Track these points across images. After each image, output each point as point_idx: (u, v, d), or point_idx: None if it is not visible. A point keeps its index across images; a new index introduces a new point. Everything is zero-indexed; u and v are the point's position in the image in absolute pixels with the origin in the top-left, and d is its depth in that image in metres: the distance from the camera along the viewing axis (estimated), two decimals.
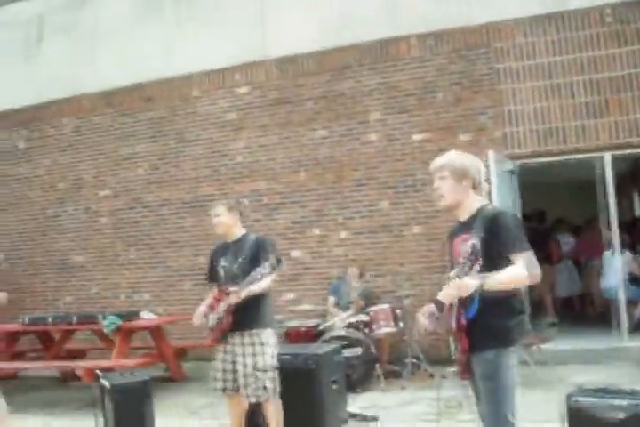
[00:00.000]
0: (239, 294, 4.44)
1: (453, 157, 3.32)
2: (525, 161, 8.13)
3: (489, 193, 7.17)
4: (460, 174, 3.25)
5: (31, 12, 10.87)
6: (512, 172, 8.07)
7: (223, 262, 4.79)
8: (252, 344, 4.57)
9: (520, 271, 3.01)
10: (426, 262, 8.17)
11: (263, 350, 4.56)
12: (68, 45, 10.48)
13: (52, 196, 10.47)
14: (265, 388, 4.51)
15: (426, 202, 8.21)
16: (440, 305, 3.16)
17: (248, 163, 9.21)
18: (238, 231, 4.86)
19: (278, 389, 4.63)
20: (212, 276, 4.92)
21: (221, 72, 9.42)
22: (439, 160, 3.34)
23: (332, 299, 8.02)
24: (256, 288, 4.51)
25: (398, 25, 8.54)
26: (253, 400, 4.60)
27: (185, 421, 5.95)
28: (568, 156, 7.99)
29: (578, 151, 7.89)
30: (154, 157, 9.79)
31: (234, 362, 4.63)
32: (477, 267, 2.93)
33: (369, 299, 7.83)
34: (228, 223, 4.81)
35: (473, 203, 3.27)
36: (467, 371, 3.19)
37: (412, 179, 8.37)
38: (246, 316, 4.55)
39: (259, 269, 4.45)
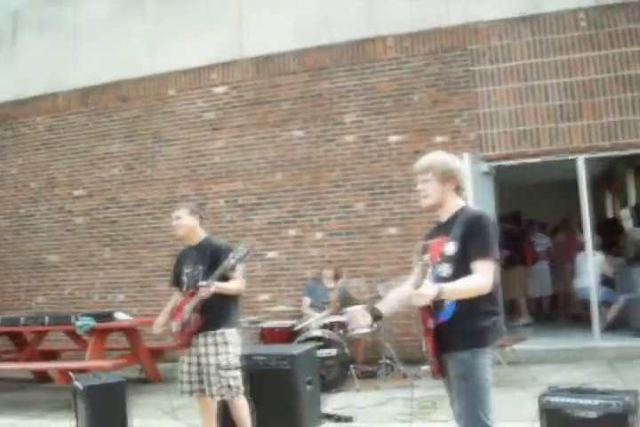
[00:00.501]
0: (209, 288, 4.43)
1: (438, 159, 3.29)
2: (500, 163, 8.20)
3: (465, 196, 7.27)
4: (446, 177, 3.23)
5: (6, 8, 10.74)
6: (487, 173, 8.13)
7: (186, 269, 4.80)
8: (216, 344, 4.58)
9: (479, 281, 3.01)
10: (402, 264, 8.16)
11: (226, 349, 4.57)
12: (44, 42, 10.37)
13: (24, 195, 10.37)
14: (229, 386, 4.54)
15: (402, 204, 8.25)
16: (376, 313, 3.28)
17: (225, 163, 9.19)
18: (199, 235, 4.85)
19: (242, 387, 4.65)
20: (176, 280, 4.93)
21: (198, 71, 9.39)
22: (424, 161, 3.30)
23: (307, 300, 8.03)
24: (227, 286, 4.54)
25: (376, 25, 8.56)
26: (219, 399, 4.65)
27: (160, 422, 5.91)
28: (542, 158, 8.07)
29: (551, 153, 7.97)
30: (129, 157, 9.73)
31: (199, 364, 4.63)
32: (429, 275, 2.97)
33: (345, 300, 7.85)
34: (187, 226, 4.81)
35: (453, 205, 3.26)
36: (439, 371, 3.21)
37: (387, 180, 8.40)
38: (210, 317, 4.56)
39: (230, 255, 4.46)
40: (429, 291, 2.87)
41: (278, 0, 9.11)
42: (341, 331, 7.18)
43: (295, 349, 5.52)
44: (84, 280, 9.87)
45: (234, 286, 4.59)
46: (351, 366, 6.94)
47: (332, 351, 6.78)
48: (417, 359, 7.09)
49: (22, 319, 7.78)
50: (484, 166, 8.04)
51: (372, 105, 8.54)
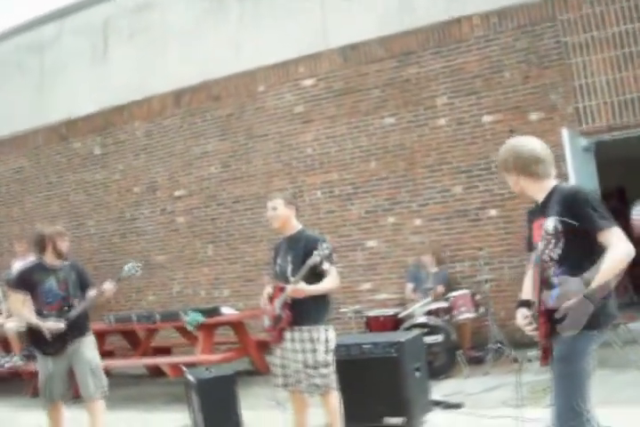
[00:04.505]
0: (299, 291, 4.44)
1: (501, 156, 3.33)
2: (601, 136, 7.85)
3: (565, 173, 7.00)
4: (511, 170, 3.24)
5: (97, 18, 11.15)
6: (587, 148, 7.81)
7: (278, 260, 4.79)
8: (302, 341, 4.56)
9: (619, 251, 2.85)
10: (504, 245, 8.00)
11: (313, 346, 4.53)
12: (135, 49, 10.71)
13: (128, 199, 10.73)
14: (317, 385, 4.51)
15: (502, 184, 7.98)
16: (527, 304, 3.17)
17: (318, 155, 9.21)
18: (295, 226, 4.81)
19: (333, 384, 4.59)
20: (274, 272, 4.93)
21: (285, 65, 9.44)
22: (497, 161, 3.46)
23: (410, 286, 7.96)
24: (319, 288, 4.51)
25: (460, 5, 8.36)
26: (307, 396, 4.64)
27: (270, 412, 5.99)
28: None
29: None
30: (224, 155, 9.90)
31: (289, 358, 4.64)
32: (560, 246, 2.81)
33: (448, 285, 7.75)
34: (283, 217, 4.75)
35: (542, 188, 3.19)
36: (547, 357, 3.09)
37: (485, 162, 8.20)
38: (298, 312, 4.54)
39: (315, 253, 4.41)
40: (579, 288, 2.79)
41: None
42: (447, 316, 7.10)
43: (401, 336, 5.48)
44: (190, 278, 10.14)
45: (326, 285, 4.55)
46: (458, 351, 6.85)
47: (439, 338, 6.70)
48: (526, 343, 6.90)
49: (134, 317, 8.05)
50: (584, 141, 7.71)
51: (463, 86, 8.35)
